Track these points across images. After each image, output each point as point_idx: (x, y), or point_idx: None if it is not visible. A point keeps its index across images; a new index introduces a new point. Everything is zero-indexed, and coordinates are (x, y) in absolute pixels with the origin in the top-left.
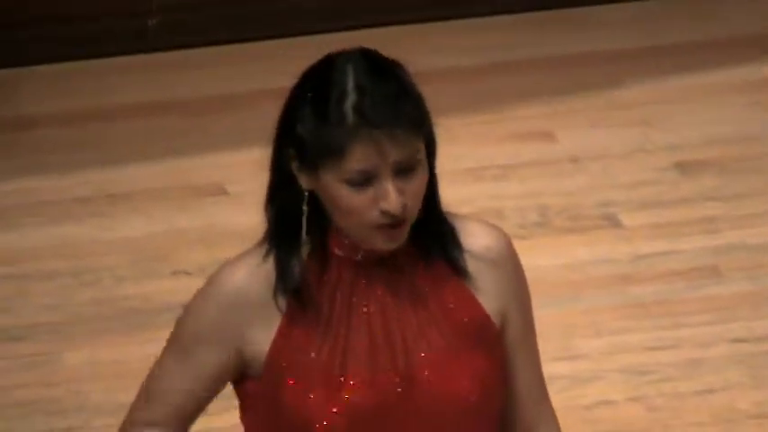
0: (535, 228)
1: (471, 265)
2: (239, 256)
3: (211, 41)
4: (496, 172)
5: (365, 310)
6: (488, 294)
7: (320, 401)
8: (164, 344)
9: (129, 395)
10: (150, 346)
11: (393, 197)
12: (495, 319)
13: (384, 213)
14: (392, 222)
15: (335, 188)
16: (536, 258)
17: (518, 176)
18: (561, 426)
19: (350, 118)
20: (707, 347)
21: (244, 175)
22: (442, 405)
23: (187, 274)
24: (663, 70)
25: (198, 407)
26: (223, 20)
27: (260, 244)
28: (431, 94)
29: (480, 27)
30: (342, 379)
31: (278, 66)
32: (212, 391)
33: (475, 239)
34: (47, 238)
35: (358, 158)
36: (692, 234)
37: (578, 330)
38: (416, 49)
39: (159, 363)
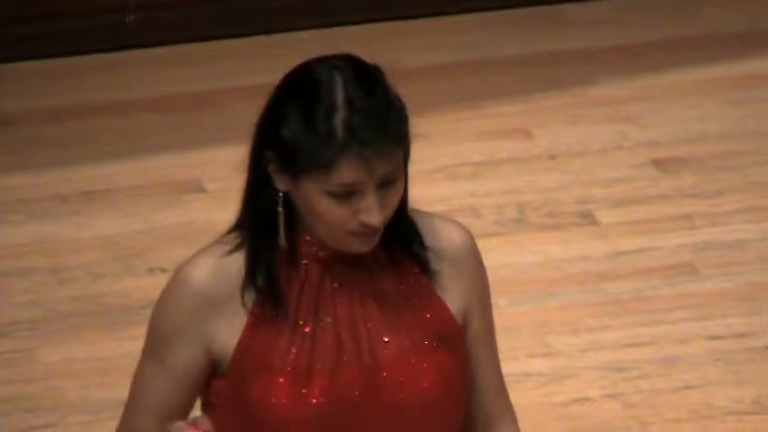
0: (512, 225)
1: (435, 264)
2: (202, 253)
3: (190, 38)
4: (473, 169)
5: (332, 308)
6: (452, 293)
7: (285, 400)
8: (141, 341)
9: (106, 392)
10: (128, 343)
11: (376, 212)
12: (458, 317)
13: (364, 225)
14: (369, 232)
15: (316, 198)
16: (513, 255)
17: (495, 173)
18: (537, 423)
19: (339, 133)
20: (684, 344)
21: (221, 172)
22: (406, 402)
23: (164, 271)
24: (640, 67)
25: (181, 408)
26: (201, 17)
27: (222, 238)
28: (407, 92)
29: (457, 25)
30: (308, 378)
31: (257, 63)
32: (193, 391)
33: (439, 237)
34: (25, 236)
35: (345, 174)
36: (669, 231)
37: (555, 327)
38: (394, 46)
39: (138, 369)
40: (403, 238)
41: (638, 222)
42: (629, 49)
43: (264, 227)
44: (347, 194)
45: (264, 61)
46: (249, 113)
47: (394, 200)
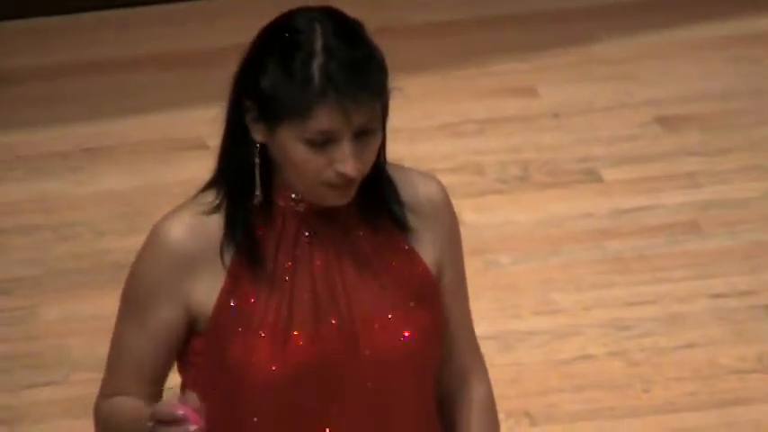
0: (515, 182)
1: (410, 218)
2: (178, 211)
3: None
4: (476, 127)
5: (308, 263)
6: (427, 246)
7: (266, 356)
8: None
9: (108, 349)
10: None
11: (351, 162)
12: (432, 269)
13: (339, 175)
14: (345, 183)
15: (292, 146)
16: (516, 213)
17: (499, 131)
18: (541, 380)
19: (317, 80)
20: (687, 303)
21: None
22: (384, 355)
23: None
24: (645, 25)
25: (162, 366)
26: None
27: (199, 195)
28: (409, 50)
29: None
30: (287, 333)
31: (259, 20)
32: (172, 349)
33: (412, 190)
34: (24, 193)
35: (322, 121)
36: (672, 189)
37: (558, 285)
38: (395, 4)
39: (115, 329)
40: (380, 194)
41: (641, 180)
42: (633, 6)
43: (241, 180)
44: (323, 143)
45: (267, 18)
46: None
47: (370, 153)
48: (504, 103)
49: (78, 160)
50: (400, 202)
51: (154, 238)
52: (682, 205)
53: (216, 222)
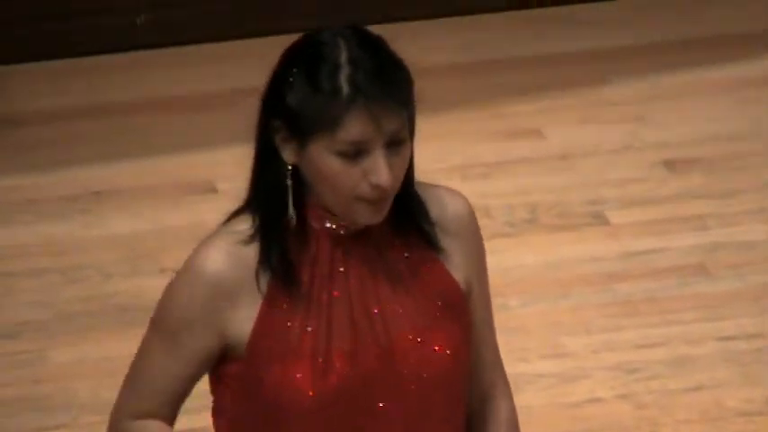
0: (524, 225)
1: (440, 236)
2: (214, 236)
3: (200, 39)
4: (485, 169)
5: (344, 286)
6: (456, 263)
7: (304, 382)
8: None
9: (116, 392)
10: (138, 343)
11: (385, 171)
12: (462, 286)
13: (374, 187)
14: (379, 196)
15: (325, 160)
16: (524, 256)
17: (507, 173)
18: (549, 423)
19: (345, 89)
20: (696, 345)
21: (233, 173)
22: (420, 375)
23: (176, 271)
24: (652, 68)
25: (185, 391)
26: (212, 17)
27: (232, 222)
28: (420, 91)
29: (469, 24)
30: (325, 358)
31: (269, 63)
32: (199, 375)
33: (440, 207)
34: (34, 236)
35: (353, 130)
36: (680, 232)
37: (566, 328)
38: (406, 46)
39: (143, 351)
40: (410, 213)
41: (649, 223)
42: (640, 49)
43: (274, 203)
44: (355, 154)
45: (276, 61)
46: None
47: (402, 164)
48: (512, 146)
49: (86, 203)
50: (430, 221)
51: (190, 266)
52: (690, 248)
53: (251, 250)
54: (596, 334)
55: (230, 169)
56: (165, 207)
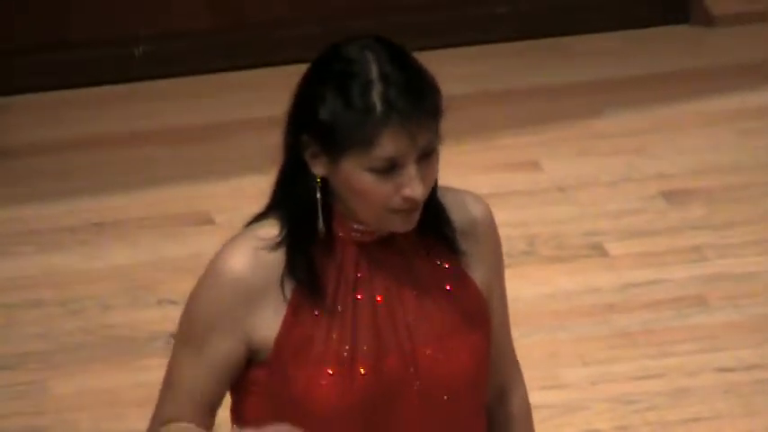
0: (522, 257)
1: (461, 240)
2: (238, 242)
3: (198, 70)
4: None
5: (369, 293)
6: (477, 268)
7: (329, 389)
8: (151, 372)
9: (116, 423)
10: (137, 374)
11: (419, 185)
12: (483, 291)
13: (406, 200)
14: (411, 207)
15: (358, 176)
16: (522, 288)
17: (505, 205)
18: None
19: (378, 107)
20: (694, 376)
21: (230, 204)
22: (445, 382)
23: (174, 303)
24: (649, 99)
25: (218, 396)
26: (210, 48)
27: (255, 225)
28: None
29: (465, 56)
30: (350, 365)
31: (266, 95)
32: (229, 380)
33: (461, 212)
34: (34, 267)
35: (388, 147)
36: (678, 263)
37: (564, 360)
38: None
39: (172, 360)
40: (433, 220)
41: (647, 254)
42: (637, 80)
43: (302, 215)
44: (389, 169)
45: (273, 93)
46: (258, 145)
47: (433, 173)
48: (509, 177)
49: (87, 234)
50: (453, 227)
51: (215, 271)
52: (688, 279)
53: (276, 256)
54: (594, 365)
55: (227, 201)
56: (163, 238)
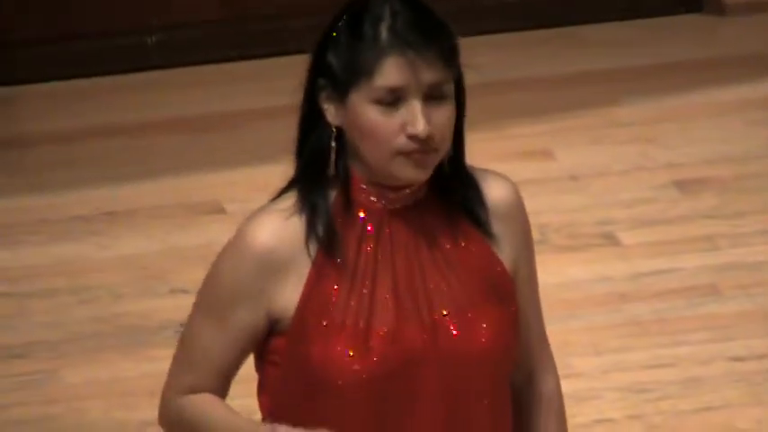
0: (534, 246)
1: (489, 219)
2: (262, 211)
3: (210, 60)
4: None
5: (389, 260)
6: (503, 246)
7: (348, 354)
8: (161, 362)
9: (127, 413)
10: (148, 364)
11: (421, 121)
12: (509, 268)
13: (411, 138)
14: (419, 148)
15: (363, 111)
16: None
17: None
18: None
19: (384, 36)
20: (706, 365)
21: (242, 194)
22: (463, 354)
23: (185, 292)
24: (662, 89)
25: (236, 364)
26: (222, 38)
27: (280, 195)
28: None
29: (479, 45)
30: (369, 332)
31: (278, 84)
32: (249, 349)
33: (488, 191)
34: (46, 256)
35: (389, 76)
36: (690, 252)
37: (577, 348)
38: None
39: (191, 326)
40: (462, 195)
41: (659, 243)
42: (651, 70)
43: (318, 167)
44: (394, 101)
45: (285, 82)
46: (270, 135)
47: (443, 120)
48: (522, 166)
49: (99, 224)
50: (485, 206)
51: (239, 241)
52: (700, 268)
53: (298, 224)
54: (606, 354)
55: (238, 190)
56: (175, 228)
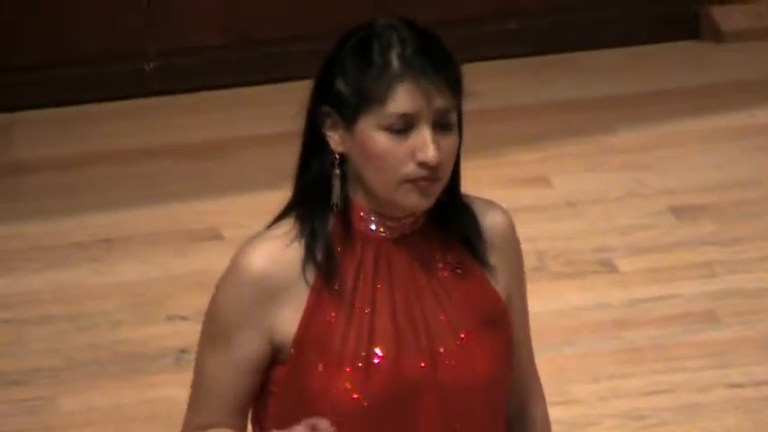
0: (531, 272)
1: (484, 248)
2: (259, 237)
3: (208, 86)
4: None
5: (388, 290)
6: (497, 274)
7: (347, 384)
8: (160, 389)
9: None
10: (147, 391)
11: (432, 147)
12: (504, 298)
13: (421, 165)
14: (427, 176)
15: (373, 137)
16: (532, 303)
17: (514, 221)
18: None
19: (395, 63)
20: (704, 392)
21: (239, 220)
22: (461, 383)
23: (183, 318)
24: (658, 115)
25: (248, 396)
26: (220, 64)
27: (277, 220)
28: None
29: (475, 72)
30: (368, 362)
31: (276, 110)
32: (257, 380)
33: (483, 219)
34: (44, 283)
35: (402, 102)
36: (687, 279)
37: (574, 375)
38: None
39: (199, 360)
40: (458, 223)
41: (656, 270)
42: (646, 97)
43: (319, 194)
44: (403, 129)
45: (283, 108)
46: (269, 161)
47: (449, 149)
48: (518, 193)
49: (96, 250)
50: (481, 235)
51: (236, 268)
52: (698, 295)
53: (295, 250)
54: (604, 381)
55: (236, 217)
56: (172, 254)
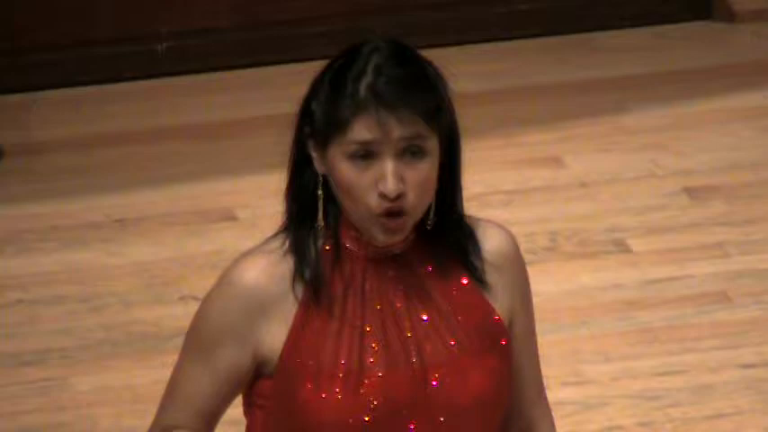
0: (544, 253)
1: (483, 269)
2: (251, 252)
3: (221, 67)
4: (505, 197)
5: (378, 308)
6: (498, 295)
7: (337, 401)
8: (172, 369)
9: (138, 420)
10: (159, 371)
11: (391, 180)
12: (504, 319)
13: (382, 197)
14: (390, 209)
15: (339, 165)
16: (545, 284)
17: (527, 202)
18: None
19: (361, 93)
20: (716, 373)
21: (253, 201)
22: (455, 404)
23: (196, 299)
24: (672, 96)
25: (221, 407)
26: (233, 45)
27: (271, 237)
28: None
29: (488, 53)
30: (358, 378)
31: (288, 91)
32: (234, 392)
33: (485, 241)
34: (57, 263)
35: (358, 130)
36: (700, 259)
37: (586, 356)
38: None
39: (179, 366)
40: (456, 244)
41: (670, 251)
42: (660, 77)
43: (306, 213)
44: (366, 156)
45: (297, 89)
46: (280, 142)
47: (417, 178)
48: (531, 174)
49: (109, 231)
50: (479, 254)
51: (227, 280)
52: (711, 276)
53: (286, 266)
54: (616, 362)
55: (249, 197)
56: (186, 235)
